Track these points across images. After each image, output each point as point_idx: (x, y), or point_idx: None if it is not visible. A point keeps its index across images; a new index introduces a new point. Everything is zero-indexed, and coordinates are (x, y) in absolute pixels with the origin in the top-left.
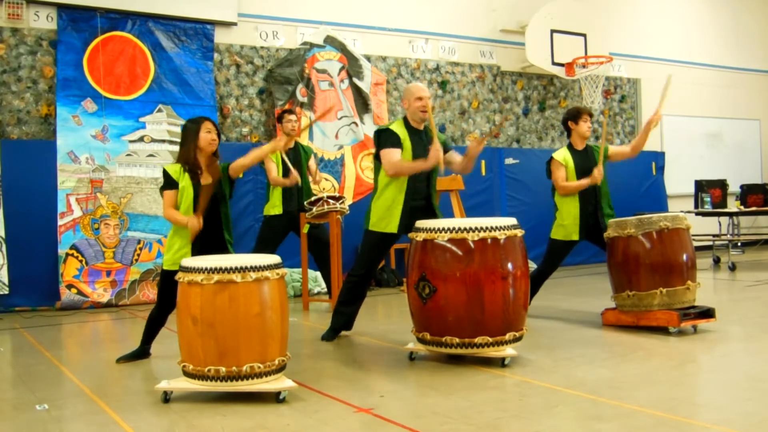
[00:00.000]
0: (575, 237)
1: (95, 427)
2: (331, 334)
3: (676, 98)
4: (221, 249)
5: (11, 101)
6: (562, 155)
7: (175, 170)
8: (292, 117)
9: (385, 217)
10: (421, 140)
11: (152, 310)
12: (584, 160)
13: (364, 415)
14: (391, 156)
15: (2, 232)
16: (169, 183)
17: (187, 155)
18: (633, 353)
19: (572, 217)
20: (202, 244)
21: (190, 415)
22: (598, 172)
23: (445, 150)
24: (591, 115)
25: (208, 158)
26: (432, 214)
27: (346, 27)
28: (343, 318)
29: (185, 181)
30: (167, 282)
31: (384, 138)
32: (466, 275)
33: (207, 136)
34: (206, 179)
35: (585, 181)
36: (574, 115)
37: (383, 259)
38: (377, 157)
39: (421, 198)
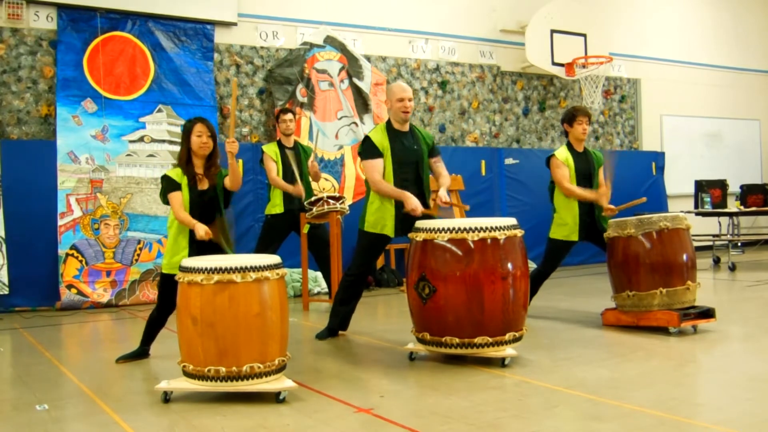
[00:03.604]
0: (575, 237)
1: (95, 427)
2: (326, 333)
3: (676, 98)
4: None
5: (11, 101)
6: (564, 155)
7: (176, 173)
8: (287, 117)
9: (380, 220)
10: (404, 143)
11: (152, 311)
12: (583, 164)
13: (364, 415)
14: (373, 170)
15: (2, 232)
16: (172, 185)
17: (183, 158)
18: (633, 353)
19: (572, 217)
20: (200, 251)
21: (190, 415)
22: (606, 197)
23: (433, 154)
24: (588, 116)
25: (206, 163)
26: (425, 215)
27: (346, 27)
28: (338, 318)
29: (183, 183)
30: (166, 285)
31: (365, 148)
32: (465, 275)
33: (197, 139)
34: (203, 184)
35: (591, 195)
36: (569, 117)
37: (378, 258)
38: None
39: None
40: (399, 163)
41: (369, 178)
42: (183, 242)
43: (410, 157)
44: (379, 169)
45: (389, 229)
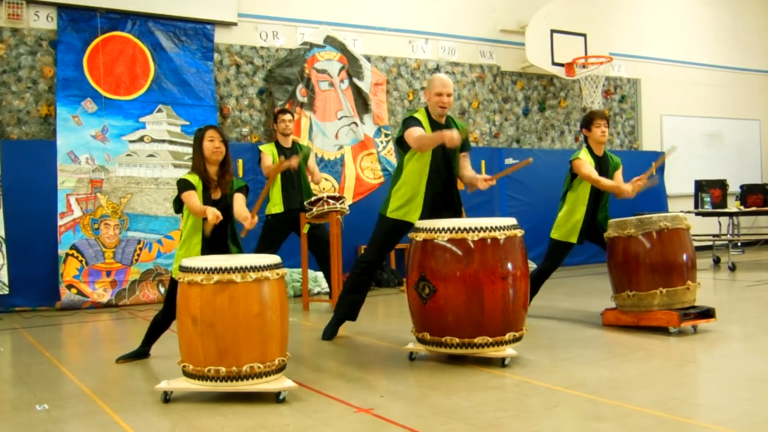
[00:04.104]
0: (573, 240)
1: (95, 427)
2: (332, 330)
3: (676, 98)
4: None
5: (11, 101)
6: (587, 157)
7: (193, 178)
8: (286, 117)
9: (406, 205)
10: None
11: (157, 314)
12: (602, 167)
13: (364, 415)
14: (413, 132)
15: (2, 232)
16: (189, 186)
17: (198, 165)
18: (633, 353)
19: (574, 221)
20: (211, 254)
21: (190, 415)
22: (633, 190)
23: (463, 148)
24: (605, 119)
25: (219, 170)
26: (451, 202)
27: (346, 27)
28: (346, 306)
29: (198, 188)
30: (175, 290)
31: (407, 123)
32: (465, 275)
33: (210, 144)
34: (216, 194)
35: (613, 186)
36: (587, 121)
37: (394, 247)
38: (400, 144)
39: (441, 184)
40: (434, 153)
41: (410, 138)
42: (195, 249)
43: (443, 151)
44: (419, 131)
45: (415, 216)
